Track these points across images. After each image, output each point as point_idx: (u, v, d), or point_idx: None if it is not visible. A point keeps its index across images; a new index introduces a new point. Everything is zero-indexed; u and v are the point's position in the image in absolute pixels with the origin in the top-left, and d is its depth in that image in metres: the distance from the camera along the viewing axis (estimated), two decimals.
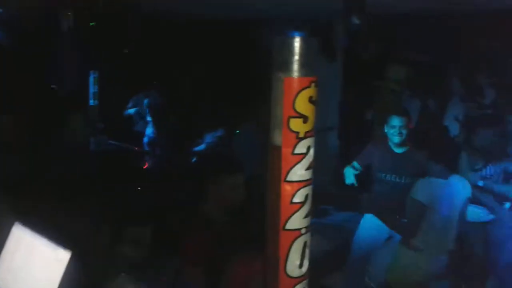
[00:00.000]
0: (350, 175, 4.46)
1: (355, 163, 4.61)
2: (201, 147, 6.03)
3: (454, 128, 6.64)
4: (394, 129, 4.27)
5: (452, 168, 3.90)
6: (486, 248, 4.42)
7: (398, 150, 4.37)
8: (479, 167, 4.40)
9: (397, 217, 4.06)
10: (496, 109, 6.21)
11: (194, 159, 5.94)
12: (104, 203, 3.30)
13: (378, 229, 4.48)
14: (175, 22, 7.51)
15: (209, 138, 6.07)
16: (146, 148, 7.34)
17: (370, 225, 4.52)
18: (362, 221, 4.61)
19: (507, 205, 4.24)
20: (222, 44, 7.65)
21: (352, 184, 4.46)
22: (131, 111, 8.02)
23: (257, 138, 4.47)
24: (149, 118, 7.56)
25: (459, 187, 3.84)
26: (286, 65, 1.92)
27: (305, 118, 1.95)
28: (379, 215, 4.44)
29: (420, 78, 6.78)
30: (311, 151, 2.02)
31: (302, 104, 1.94)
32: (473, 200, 4.30)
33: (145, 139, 7.51)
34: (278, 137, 1.97)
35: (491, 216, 4.43)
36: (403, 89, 6.69)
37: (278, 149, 1.98)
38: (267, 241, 2.12)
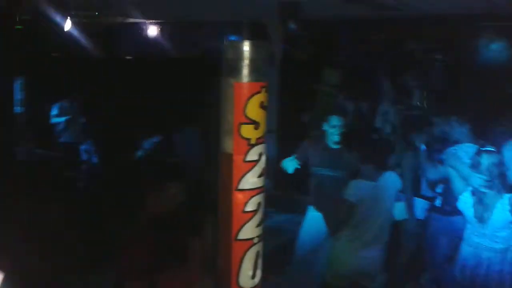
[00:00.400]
0: (290, 165, 4.44)
1: (293, 160, 4.63)
2: (139, 153, 5.79)
3: (386, 129, 6.92)
4: (335, 128, 4.35)
5: (382, 167, 4.07)
6: (422, 242, 4.60)
7: (335, 147, 4.46)
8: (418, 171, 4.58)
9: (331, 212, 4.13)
10: (423, 110, 6.54)
11: (131, 166, 5.70)
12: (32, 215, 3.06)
13: (319, 223, 4.54)
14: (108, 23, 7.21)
15: (147, 144, 5.85)
16: (80, 155, 6.97)
17: (311, 219, 4.57)
18: (305, 216, 4.64)
19: (438, 202, 4.41)
20: (157, 47, 7.45)
21: (296, 169, 4.43)
22: (60, 118, 7.58)
23: (198, 144, 4.36)
24: (82, 125, 7.18)
25: (388, 184, 3.97)
26: (236, 70, 1.86)
27: (256, 124, 1.90)
28: (318, 207, 4.49)
29: (353, 82, 7.01)
30: (263, 158, 1.97)
31: (253, 110, 1.89)
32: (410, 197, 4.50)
33: (79, 147, 7.13)
34: (229, 144, 1.91)
35: (420, 214, 4.62)
36: (337, 92, 6.87)
37: (229, 156, 1.91)
38: (218, 252, 2.05)
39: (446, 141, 4.44)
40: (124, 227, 3.31)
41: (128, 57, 7.65)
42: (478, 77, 6.60)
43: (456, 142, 4.33)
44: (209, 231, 2.97)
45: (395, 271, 4.66)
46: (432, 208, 4.41)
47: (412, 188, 4.47)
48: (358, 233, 3.77)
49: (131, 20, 7.19)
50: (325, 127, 4.41)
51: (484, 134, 5.16)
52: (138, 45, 7.87)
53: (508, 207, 3.31)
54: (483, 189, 3.39)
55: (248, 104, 1.87)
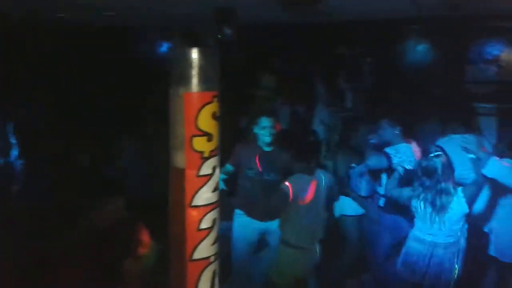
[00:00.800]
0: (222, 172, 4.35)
1: (227, 166, 4.53)
2: (75, 165, 5.37)
3: (321, 131, 7.03)
4: (265, 130, 4.31)
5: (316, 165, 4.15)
6: (362, 241, 4.67)
7: (267, 149, 4.43)
8: (353, 165, 4.65)
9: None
10: (357, 111, 6.71)
11: (65, 179, 5.28)
12: None
13: (249, 227, 4.49)
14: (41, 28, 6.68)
15: (84, 156, 5.43)
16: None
17: (241, 224, 4.52)
18: (234, 221, 4.57)
19: (381, 201, 4.51)
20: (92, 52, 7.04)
21: (222, 189, 4.33)
22: None
23: (141, 157, 4.13)
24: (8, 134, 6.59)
25: (322, 180, 4.02)
26: (185, 79, 1.74)
27: (209, 136, 1.80)
28: (248, 211, 4.43)
29: (289, 85, 7.06)
30: (217, 171, 1.87)
31: (206, 121, 1.78)
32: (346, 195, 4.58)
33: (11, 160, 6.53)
34: (181, 159, 1.78)
35: (361, 210, 4.72)
36: (274, 96, 6.88)
37: (181, 171, 1.79)
38: (171, 274, 1.91)
39: (384, 142, 4.54)
40: (56, 245, 3.06)
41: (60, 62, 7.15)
42: (406, 78, 6.88)
43: (389, 142, 4.45)
44: (153, 250, 2.81)
45: (339, 267, 4.72)
46: (378, 207, 4.49)
47: (356, 187, 4.52)
48: (301, 233, 3.78)
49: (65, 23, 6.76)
50: (256, 129, 4.32)
51: (414, 134, 5.39)
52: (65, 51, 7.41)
53: (463, 199, 3.44)
54: (435, 191, 3.47)
55: (199, 115, 1.76)
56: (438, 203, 3.40)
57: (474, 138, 4.72)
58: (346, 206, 4.61)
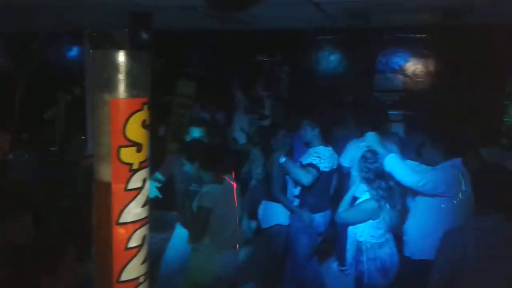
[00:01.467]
0: (152, 188, 4.13)
1: (157, 174, 4.35)
2: None
3: (241, 138, 7.02)
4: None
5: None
6: (284, 244, 4.68)
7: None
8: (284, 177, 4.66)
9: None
10: (275, 117, 6.79)
11: None
12: None
13: (184, 239, 4.36)
14: None
15: None
16: None
17: (178, 236, 4.38)
18: (173, 233, 4.41)
19: (296, 203, 4.53)
20: None
21: (156, 197, 4.17)
22: None
23: (51, 169, 3.79)
24: None
25: (233, 188, 4.01)
26: (111, 85, 1.59)
27: (138, 146, 1.65)
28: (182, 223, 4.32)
29: (208, 93, 6.97)
30: (147, 184, 1.72)
31: (134, 130, 1.63)
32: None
33: None
34: (106, 171, 1.62)
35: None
36: (193, 104, 6.75)
37: (106, 185, 1.62)
38: None
39: (306, 145, 4.60)
40: None
41: None
42: (321, 85, 7.11)
43: (309, 143, 4.52)
44: (70, 270, 2.57)
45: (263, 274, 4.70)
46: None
47: (280, 193, 4.51)
48: (216, 238, 3.74)
49: None
50: (187, 139, 4.23)
51: (330, 137, 5.56)
52: None
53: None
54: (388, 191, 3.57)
55: (127, 123, 1.61)
56: (392, 201, 3.49)
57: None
58: (279, 215, 4.61)
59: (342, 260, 5.34)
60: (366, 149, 3.69)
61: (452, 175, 3.45)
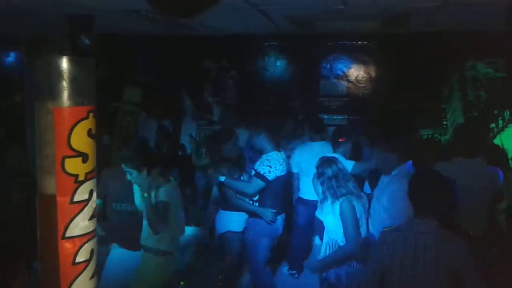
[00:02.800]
0: None
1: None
2: None
3: (190, 145, 6.95)
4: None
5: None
6: (237, 250, 4.66)
7: None
8: (237, 176, 4.61)
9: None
10: (224, 123, 6.77)
11: None
12: None
13: (125, 260, 4.23)
14: None
15: None
16: None
17: (117, 256, 4.24)
18: (109, 256, 4.24)
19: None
20: None
21: None
22: None
23: None
24: None
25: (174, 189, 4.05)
26: (54, 92, 1.52)
27: (84, 157, 1.58)
28: (123, 244, 4.18)
29: (154, 99, 6.84)
30: (94, 195, 1.66)
31: (80, 140, 1.56)
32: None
33: None
34: (50, 184, 1.54)
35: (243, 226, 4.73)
36: (139, 111, 6.61)
37: (51, 198, 1.55)
38: None
39: (259, 153, 4.62)
40: None
41: None
42: (268, 91, 7.18)
43: (261, 151, 4.55)
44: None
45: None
46: (251, 214, 4.53)
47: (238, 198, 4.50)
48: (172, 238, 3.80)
49: None
50: (123, 167, 4.01)
51: (278, 141, 5.62)
52: None
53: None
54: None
55: (72, 133, 1.54)
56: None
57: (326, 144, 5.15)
58: (231, 222, 4.60)
59: (292, 264, 5.41)
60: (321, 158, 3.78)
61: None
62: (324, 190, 3.56)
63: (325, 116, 6.78)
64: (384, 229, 2.78)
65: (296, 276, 5.32)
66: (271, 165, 4.28)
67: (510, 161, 5.55)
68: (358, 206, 3.42)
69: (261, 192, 4.38)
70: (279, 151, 4.50)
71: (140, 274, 3.74)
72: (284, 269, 5.44)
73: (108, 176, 4.07)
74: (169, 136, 6.95)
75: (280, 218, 4.46)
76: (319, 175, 3.62)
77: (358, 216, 3.40)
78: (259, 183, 4.24)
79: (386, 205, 3.56)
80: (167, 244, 3.74)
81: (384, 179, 3.79)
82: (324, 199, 3.56)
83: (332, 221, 3.48)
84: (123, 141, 6.26)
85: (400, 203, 3.39)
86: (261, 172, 4.26)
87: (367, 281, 2.75)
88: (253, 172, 4.33)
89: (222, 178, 4.32)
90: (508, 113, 6.30)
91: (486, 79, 6.40)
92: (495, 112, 6.35)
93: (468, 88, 6.50)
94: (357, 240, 3.35)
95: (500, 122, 6.35)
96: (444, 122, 6.72)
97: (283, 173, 4.40)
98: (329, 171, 3.55)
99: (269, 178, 4.26)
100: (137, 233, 3.85)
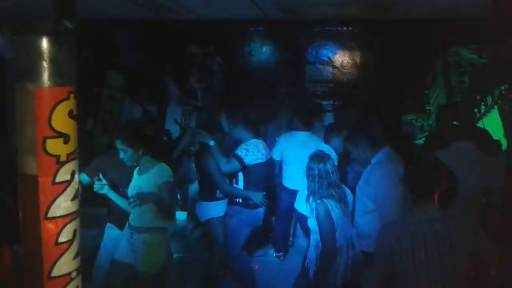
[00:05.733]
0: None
1: (82, 175, 4.12)
2: None
3: (175, 130, 6.93)
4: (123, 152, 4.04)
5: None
6: (224, 235, 4.70)
7: (130, 164, 4.17)
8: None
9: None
10: (209, 110, 6.76)
11: None
12: None
13: (118, 239, 4.26)
14: None
15: None
16: None
17: (111, 236, 4.26)
18: (104, 234, 4.27)
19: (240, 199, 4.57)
20: None
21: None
22: None
23: None
24: None
25: (157, 174, 4.02)
26: (34, 73, 1.51)
27: (66, 137, 1.59)
28: (117, 224, 4.21)
29: (138, 84, 6.79)
30: (76, 176, 1.66)
31: (61, 121, 1.56)
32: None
33: None
34: (32, 164, 1.54)
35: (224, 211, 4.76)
36: (123, 96, 6.55)
37: (32, 179, 1.55)
38: None
39: (236, 139, 4.63)
40: None
41: None
42: (253, 77, 7.16)
43: (240, 140, 4.56)
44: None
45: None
46: (233, 202, 4.55)
47: (228, 184, 4.52)
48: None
49: None
50: (117, 145, 3.99)
51: (259, 130, 5.62)
52: None
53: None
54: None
55: (53, 113, 1.54)
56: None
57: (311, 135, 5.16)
58: (213, 210, 4.63)
59: (278, 247, 5.47)
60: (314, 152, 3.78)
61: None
62: (309, 187, 3.58)
63: (312, 102, 6.81)
64: (383, 227, 2.72)
65: (282, 258, 5.40)
66: (248, 149, 4.34)
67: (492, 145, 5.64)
68: (336, 210, 3.40)
69: (245, 180, 4.43)
70: (258, 138, 4.54)
71: (145, 253, 3.70)
72: (270, 252, 5.51)
73: (102, 162, 4.07)
74: (154, 121, 6.92)
75: (262, 210, 4.50)
76: (307, 168, 3.62)
77: (335, 220, 3.38)
78: (235, 164, 4.30)
79: (372, 194, 3.54)
80: (164, 222, 3.73)
81: (365, 171, 3.77)
82: (308, 195, 3.57)
83: (313, 222, 3.50)
84: (106, 126, 6.23)
85: (385, 190, 3.43)
86: (238, 154, 4.31)
87: (376, 276, 2.66)
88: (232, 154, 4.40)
89: (212, 142, 4.32)
90: (490, 98, 6.39)
91: (470, 65, 6.48)
92: (478, 97, 6.44)
93: (451, 74, 6.57)
94: (332, 244, 3.35)
95: (483, 107, 6.45)
96: (427, 108, 6.79)
97: (263, 161, 4.43)
98: (315, 169, 3.53)
99: (245, 161, 4.30)
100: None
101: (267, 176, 4.71)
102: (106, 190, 3.74)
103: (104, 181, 3.74)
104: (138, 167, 3.78)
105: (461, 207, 3.20)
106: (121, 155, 3.71)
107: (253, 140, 4.46)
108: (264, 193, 4.43)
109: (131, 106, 6.55)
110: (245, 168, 4.34)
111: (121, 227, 4.03)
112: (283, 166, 5.26)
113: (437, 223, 2.44)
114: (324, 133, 4.89)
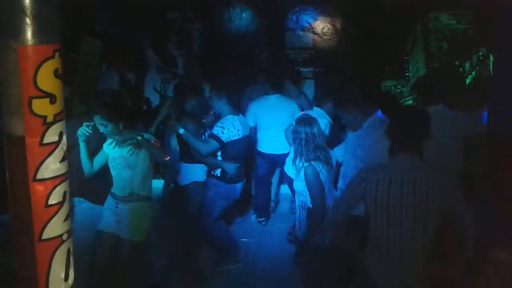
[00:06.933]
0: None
1: None
2: None
3: (154, 99, 6.84)
4: (104, 127, 3.94)
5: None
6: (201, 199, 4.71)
7: None
8: (200, 133, 4.59)
9: None
10: (189, 77, 6.65)
11: None
12: None
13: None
14: None
15: None
16: None
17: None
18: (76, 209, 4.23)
19: (218, 171, 4.55)
20: None
21: None
22: None
23: None
24: None
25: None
26: (17, 30, 1.45)
27: (52, 97, 1.54)
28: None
29: (115, 51, 6.61)
30: (64, 138, 1.63)
31: (46, 80, 1.51)
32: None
33: None
34: (18, 125, 1.49)
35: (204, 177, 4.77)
36: (99, 63, 6.39)
37: (19, 140, 1.51)
38: (16, 257, 1.64)
39: (217, 116, 4.61)
40: None
41: None
42: (232, 43, 7.06)
43: (220, 114, 4.53)
44: None
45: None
46: (211, 176, 4.57)
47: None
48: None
49: None
50: (96, 120, 3.88)
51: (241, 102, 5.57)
52: None
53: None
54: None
55: (38, 72, 1.49)
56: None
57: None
58: (196, 174, 4.63)
59: (259, 213, 5.54)
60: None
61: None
62: (295, 150, 3.58)
63: (292, 69, 6.77)
64: (363, 167, 2.76)
65: (264, 223, 5.48)
66: (223, 126, 4.33)
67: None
68: (324, 172, 3.43)
69: (222, 156, 4.46)
70: (237, 114, 4.51)
71: (131, 221, 3.71)
72: (253, 217, 5.58)
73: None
74: (132, 89, 6.80)
75: (240, 185, 4.52)
76: (294, 131, 3.61)
77: (323, 181, 3.41)
78: (213, 144, 4.32)
79: (365, 157, 3.55)
80: (147, 190, 3.75)
81: (355, 134, 3.81)
82: (295, 157, 3.58)
83: (299, 184, 3.52)
84: (82, 94, 6.08)
85: (377, 153, 3.45)
86: (214, 133, 4.32)
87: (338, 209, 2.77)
88: (208, 134, 4.40)
89: (181, 131, 4.31)
90: (468, 64, 6.47)
91: (449, 30, 6.52)
92: (457, 63, 6.51)
93: (431, 39, 6.61)
94: (322, 204, 3.38)
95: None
96: (406, 74, 6.85)
97: (240, 137, 4.42)
98: (302, 133, 3.52)
99: (223, 139, 4.30)
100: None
101: (245, 151, 4.71)
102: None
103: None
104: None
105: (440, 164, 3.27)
106: (102, 129, 3.67)
107: (229, 117, 4.44)
108: (238, 164, 4.43)
109: (108, 73, 6.39)
110: (223, 145, 4.34)
111: (94, 201, 3.94)
112: (257, 131, 5.27)
113: (418, 170, 2.51)
114: (313, 97, 4.92)
